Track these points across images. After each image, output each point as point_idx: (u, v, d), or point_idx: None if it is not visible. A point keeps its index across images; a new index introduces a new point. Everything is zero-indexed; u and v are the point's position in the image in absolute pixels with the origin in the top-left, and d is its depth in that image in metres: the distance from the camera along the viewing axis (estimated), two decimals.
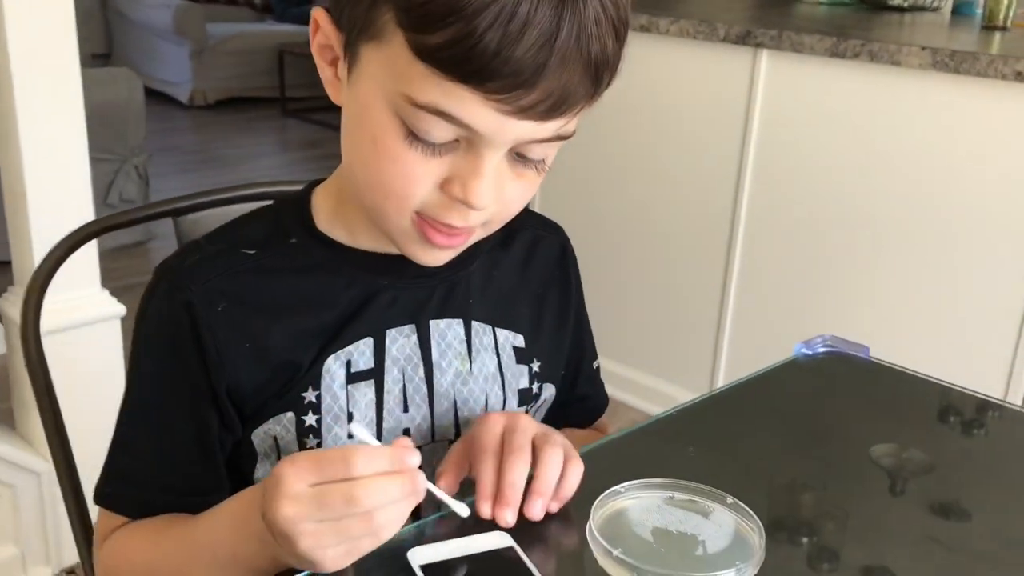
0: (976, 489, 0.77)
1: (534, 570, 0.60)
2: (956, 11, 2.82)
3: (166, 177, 4.30)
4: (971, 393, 0.92)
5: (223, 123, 5.79)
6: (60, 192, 1.65)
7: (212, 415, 0.75)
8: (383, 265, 0.78)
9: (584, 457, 0.77)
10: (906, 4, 2.82)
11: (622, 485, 0.68)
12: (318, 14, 0.70)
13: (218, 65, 6.08)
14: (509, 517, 0.65)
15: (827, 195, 2.12)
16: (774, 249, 2.23)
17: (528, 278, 0.88)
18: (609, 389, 0.97)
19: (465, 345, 0.81)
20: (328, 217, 0.79)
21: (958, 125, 1.92)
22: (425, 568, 0.59)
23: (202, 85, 6.06)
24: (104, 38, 6.61)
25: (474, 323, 0.82)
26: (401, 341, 0.78)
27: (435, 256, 0.73)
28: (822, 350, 0.97)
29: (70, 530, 0.95)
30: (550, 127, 0.65)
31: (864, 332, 2.12)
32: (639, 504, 0.67)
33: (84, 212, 1.68)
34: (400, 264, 0.76)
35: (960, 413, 0.92)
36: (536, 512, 0.67)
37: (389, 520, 0.58)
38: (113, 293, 1.81)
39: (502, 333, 0.83)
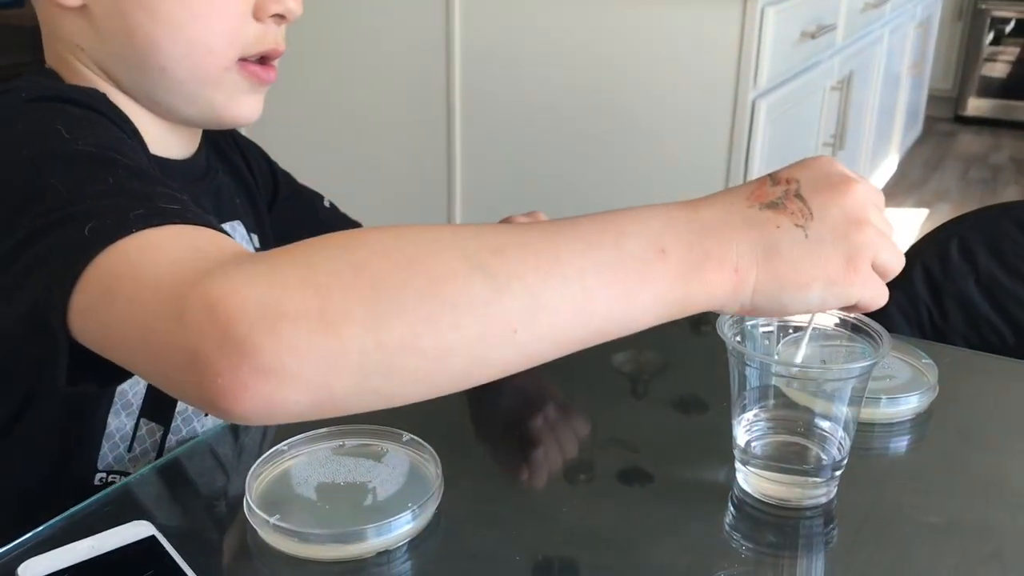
0: (708, 381, 0.77)
1: (178, 559, 0.52)
2: None
3: None
4: None
5: None
6: None
7: None
8: (168, 169, 0.70)
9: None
10: None
11: (285, 443, 0.61)
12: None
13: None
14: None
15: (533, 114, 2.12)
16: (490, 167, 2.21)
17: (240, 178, 0.84)
18: None
19: (251, 246, 0.78)
20: None
21: (646, 33, 1.95)
22: None
23: None
24: None
25: (243, 225, 0.79)
26: None
27: (256, 106, 0.72)
28: None
29: None
30: None
31: None
32: (303, 461, 0.60)
33: None
34: (178, 168, 0.72)
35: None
36: None
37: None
38: None
39: (254, 237, 0.80)
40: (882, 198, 0.53)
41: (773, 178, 0.51)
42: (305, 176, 0.94)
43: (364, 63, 2.28)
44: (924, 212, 3.40)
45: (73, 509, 0.58)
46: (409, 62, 2.22)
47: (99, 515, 0.57)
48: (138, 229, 0.46)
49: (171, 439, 0.70)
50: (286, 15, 0.68)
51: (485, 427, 0.72)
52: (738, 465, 0.62)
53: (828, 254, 0.49)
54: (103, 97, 0.64)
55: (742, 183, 0.53)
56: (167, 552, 0.52)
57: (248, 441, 0.68)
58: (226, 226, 0.76)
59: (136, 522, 0.55)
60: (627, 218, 0.48)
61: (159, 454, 0.70)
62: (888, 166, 3.53)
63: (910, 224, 3.29)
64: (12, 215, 0.50)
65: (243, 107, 0.70)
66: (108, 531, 0.54)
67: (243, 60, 0.68)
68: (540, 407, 0.73)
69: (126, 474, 0.68)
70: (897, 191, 3.57)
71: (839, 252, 0.49)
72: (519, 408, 0.72)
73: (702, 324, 0.89)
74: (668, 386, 0.79)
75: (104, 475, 0.68)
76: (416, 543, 0.55)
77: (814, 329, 0.61)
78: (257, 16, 0.67)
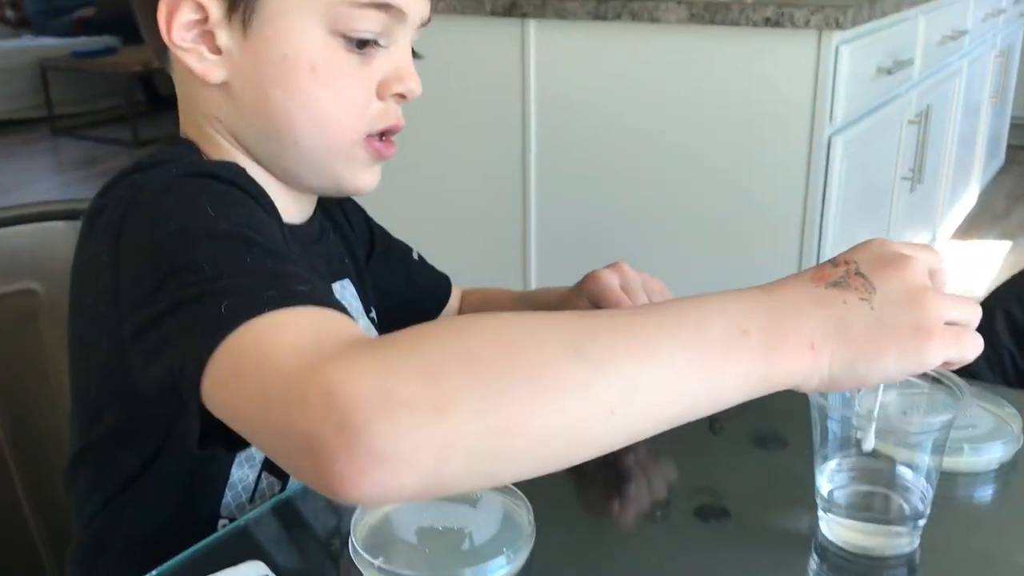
0: (786, 417, 0.78)
1: None
2: None
3: None
4: None
5: None
6: None
7: None
8: (290, 235, 0.73)
9: None
10: None
11: None
12: None
13: None
14: None
15: (610, 154, 2.15)
16: (566, 209, 2.25)
17: (344, 236, 0.88)
18: None
19: (360, 302, 0.82)
20: None
21: (721, 73, 1.98)
22: None
23: None
24: None
25: (348, 281, 0.83)
26: None
27: (376, 177, 0.76)
28: None
29: None
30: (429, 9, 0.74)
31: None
32: (403, 505, 0.64)
33: None
34: (299, 233, 0.76)
35: None
36: None
37: None
38: None
39: (349, 288, 0.84)
40: (940, 260, 0.55)
41: (832, 261, 0.54)
42: (383, 224, 0.98)
43: (440, 112, 2.34)
44: (1008, 244, 3.33)
45: (192, 549, 0.62)
46: (485, 110, 2.28)
47: (217, 555, 0.61)
48: (269, 309, 0.50)
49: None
50: (407, 95, 0.73)
51: (573, 471, 0.75)
52: (820, 513, 0.63)
53: (896, 323, 0.51)
54: (243, 172, 0.68)
55: (808, 267, 0.56)
56: None
57: None
58: (337, 285, 0.80)
59: (251, 562, 0.59)
60: (706, 303, 0.51)
61: None
62: (969, 198, 3.47)
63: (993, 257, 3.22)
64: (157, 286, 0.55)
65: (364, 179, 0.75)
66: (225, 570, 0.58)
67: (368, 136, 0.73)
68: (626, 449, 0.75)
69: None
70: (979, 223, 3.51)
71: (906, 320, 0.51)
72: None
73: None
74: (746, 422, 0.80)
75: (226, 520, 0.72)
76: None
77: None
78: (380, 94, 0.72)
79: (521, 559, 0.59)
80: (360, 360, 0.45)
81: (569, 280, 0.87)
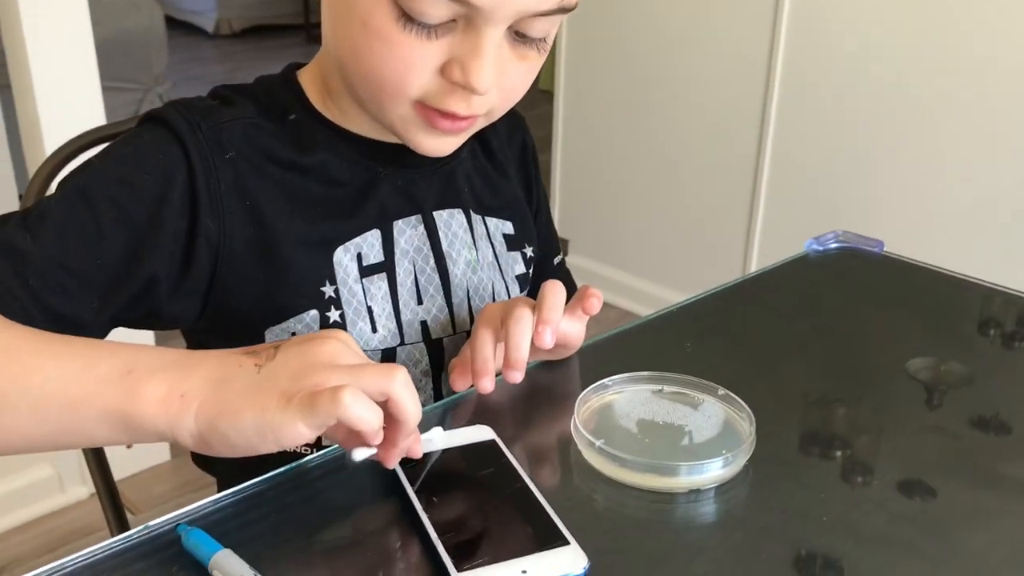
0: (1017, 401, 0.73)
1: (514, 462, 0.59)
2: None
3: None
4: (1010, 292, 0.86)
5: (249, 51, 5.74)
6: (73, 119, 1.63)
7: (164, 264, 0.68)
8: (382, 152, 0.75)
9: (577, 354, 0.75)
10: None
11: (609, 379, 0.66)
12: None
13: None
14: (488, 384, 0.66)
15: (855, 100, 2.05)
16: (805, 142, 2.16)
17: (502, 165, 0.86)
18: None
19: (470, 235, 0.81)
20: (319, 100, 0.75)
21: (1000, 34, 1.82)
22: (404, 461, 0.58)
23: (227, 14, 5.99)
24: None
25: (472, 213, 0.81)
26: (408, 232, 0.77)
27: (439, 144, 0.70)
28: (834, 246, 0.94)
29: (105, 450, 0.90)
30: None
31: (907, 226, 2.02)
32: (626, 397, 0.66)
33: None
34: (398, 152, 0.74)
35: (998, 320, 0.87)
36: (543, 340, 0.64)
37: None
38: None
39: (492, 222, 0.83)
40: (391, 380, 0.52)
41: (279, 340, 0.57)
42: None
43: (687, 38, 2.30)
44: None
45: (431, 406, 0.67)
46: (732, 39, 2.22)
47: (446, 417, 0.66)
48: None
49: None
50: (464, 86, 0.64)
51: (797, 397, 0.74)
52: None
53: (271, 388, 0.51)
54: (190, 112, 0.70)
55: None
56: (505, 455, 0.60)
57: (576, 371, 0.74)
58: (444, 212, 0.78)
59: (478, 426, 0.63)
60: (135, 347, 0.55)
61: None
62: None
63: None
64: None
65: (420, 140, 0.70)
66: (457, 430, 0.62)
67: (418, 102, 0.67)
68: (841, 393, 0.73)
69: None
70: None
71: (281, 388, 0.51)
72: (824, 390, 0.73)
73: (1016, 340, 0.84)
74: (968, 401, 0.72)
75: None
76: (725, 488, 0.59)
77: None
78: (442, 73, 0.65)
79: (738, 465, 0.60)
80: None
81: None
